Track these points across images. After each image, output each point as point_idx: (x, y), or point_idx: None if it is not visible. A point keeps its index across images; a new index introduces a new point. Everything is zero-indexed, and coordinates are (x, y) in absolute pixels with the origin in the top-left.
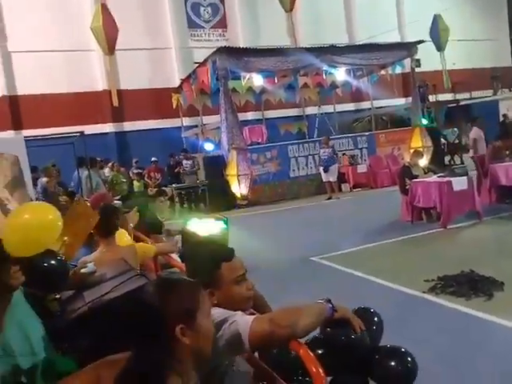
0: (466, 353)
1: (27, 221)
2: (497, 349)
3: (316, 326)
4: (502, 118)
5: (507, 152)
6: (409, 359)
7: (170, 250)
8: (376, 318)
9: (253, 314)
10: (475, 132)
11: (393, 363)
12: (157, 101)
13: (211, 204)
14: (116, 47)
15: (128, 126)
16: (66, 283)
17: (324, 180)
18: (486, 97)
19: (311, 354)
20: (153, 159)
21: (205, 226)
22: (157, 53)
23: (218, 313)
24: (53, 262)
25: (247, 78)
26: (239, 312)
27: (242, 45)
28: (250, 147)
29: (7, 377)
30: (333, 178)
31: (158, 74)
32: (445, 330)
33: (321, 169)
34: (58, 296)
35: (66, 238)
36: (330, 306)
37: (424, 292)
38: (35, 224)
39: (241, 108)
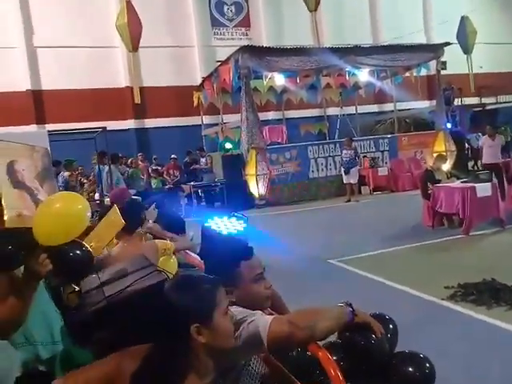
0: (484, 362)
1: (58, 209)
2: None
3: (335, 330)
4: None
5: None
6: (427, 365)
7: (188, 246)
8: (391, 325)
9: (272, 314)
10: (482, 140)
11: (411, 368)
12: (178, 98)
13: (229, 203)
14: (139, 45)
15: (149, 122)
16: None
17: (345, 182)
18: None
19: (330, 357)
20: (172, 156)
21: (225, 224)
22: (179, 51)
23: (236, 311)
24: (78, 251)
25: (269, 77)
26: (258, 312)
27: (265, 44)
28: (269, 147)
29: (29, 364)
30: (353, 180)
31: (180, 72)
32: (464, 338)
33: (342, 170)
34: (77, 289)
35: (92, 244)
36: (351, 309)
37: (443, 299)
38: (65, 213)
39: (261, 107)
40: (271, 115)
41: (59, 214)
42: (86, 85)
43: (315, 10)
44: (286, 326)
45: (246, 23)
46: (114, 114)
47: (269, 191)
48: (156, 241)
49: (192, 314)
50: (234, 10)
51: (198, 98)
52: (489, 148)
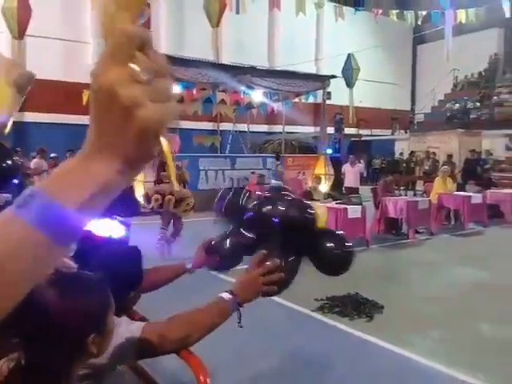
0: (342, 369)
1: None
2: (370, 367)
3: (214, 329)
4: (398, 156)
5: (396, 187)
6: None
7: None
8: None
9: (141, 319)
10: (345, 167)
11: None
12: (67, 95)
13: (114, 208)
14: (27, 32)
15: (29, 116)
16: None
17: None
18: (385, 135)
19: (202, 364)
20: (52, 155)
21: (106, 226)
22: (73, 45)
23: None
24: None
25: None
26: (125, 318)
27: (163, 52)
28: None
29: None
30: None
31: (72, 67)
32: (326, 347)
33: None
34: None
35: None
36: (235, 300)
37: (313, 310)
38: None
39: None
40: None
41: None
42: None
43: (217, 26)
44: (156, 338)
45: (145, 27)
46: None
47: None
48: None
49: (89, 323)
50: None
51: (88, 97)
52: (350, 174)
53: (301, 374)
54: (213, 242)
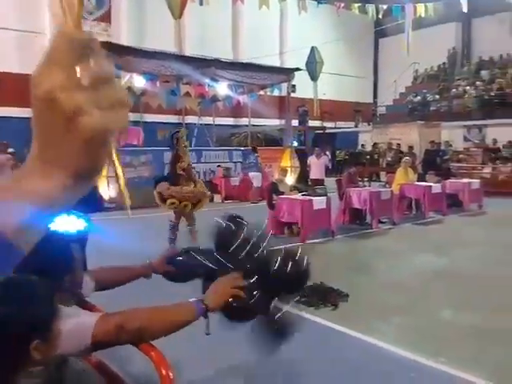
0: (308, 358)
1: None
2: (336, 354)
3: (175, 330)
4: (360, 148)
5: (360, 178)
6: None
7: None
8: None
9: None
10: (310, 159)
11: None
12: (23, 88)
13: (75, 204)
14: None
15: None
16: None
17: None
18: (348, 127)
19: (163, 358)
20: (9, 150)
21: (65, 220)
22: (28, 36)
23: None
24: None
25: (127, 77)
26: (81, 310)
27: (125, 44)
28: (124, 149)
29: None
30: None
31: (27, 59)
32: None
33: None
34: None
35: None
36: (202, 306)
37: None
38: None
39: None
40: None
41: None
42: None
43: (179, 17)
44: (113, 328)
45: (106, 19)
46: None
47: (120, 194)
48: None
49: (31, 329)
50: (95, 3)
51: None
52: (315, 166)
53: (266, 363)
54: (177, 258)
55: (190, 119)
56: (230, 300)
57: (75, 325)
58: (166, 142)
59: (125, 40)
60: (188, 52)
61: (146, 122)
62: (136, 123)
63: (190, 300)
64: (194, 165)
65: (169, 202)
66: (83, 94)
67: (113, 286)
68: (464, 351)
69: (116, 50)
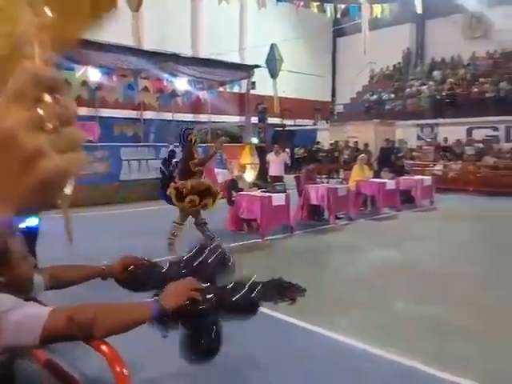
0: (266, 353)
1: None
2: (294, 349)
3: (127, 329)
4: (316, 146)
5: (318, 175)
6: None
7: None
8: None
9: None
10: (269, 156)
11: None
12: None
13: None
14: None
15: None
16: None
17: None
18: (307, 125)
19: (117, 354)
20: None
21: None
22: None
23: (5, 299)
24: None
25: (82, 71)
26: (31, 302)
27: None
28: None
29: None
30: None
31: None
32: (250, 332)
33: None
34: None
35: None
36: (157, 306)
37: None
38: None
39: None
40: (84, 111)
41: None
42: None
43: (137, 10)
44: (64, 320)
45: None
46: None
47: (74, 191)
48: None
49: None
50: None
51: None
52: (274, 163)
53: (224, 360)
54: (132, 267)
55: (149, 114)
56: (186, 302)
57: (23, 316)
58: (123, 137)
59: None
60: (147, 47)
61: (102, 117)
62: (92, 118)
63: (147, 300)
64: (151, 161)
65: (188, 199)
66: (44, 135)
67: (66, 285)
68: (424, 344)
69: None
